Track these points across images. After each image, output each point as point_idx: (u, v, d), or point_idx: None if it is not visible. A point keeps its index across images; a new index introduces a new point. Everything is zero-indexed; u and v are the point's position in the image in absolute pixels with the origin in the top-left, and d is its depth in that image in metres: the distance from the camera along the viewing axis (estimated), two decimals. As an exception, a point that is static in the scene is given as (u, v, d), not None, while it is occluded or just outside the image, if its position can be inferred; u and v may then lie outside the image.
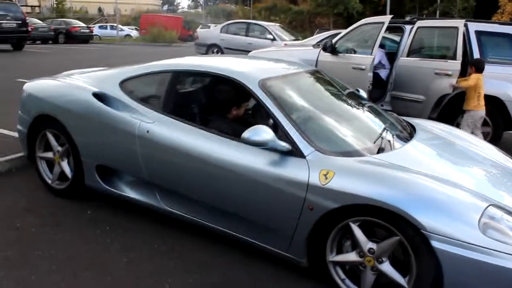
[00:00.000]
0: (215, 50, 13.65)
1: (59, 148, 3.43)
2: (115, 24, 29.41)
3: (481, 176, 2.73)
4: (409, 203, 2.14)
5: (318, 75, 3.45)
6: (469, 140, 3.37)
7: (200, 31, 14.95)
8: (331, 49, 5.89)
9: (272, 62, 3.64)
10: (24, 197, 3.51)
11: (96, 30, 28.24)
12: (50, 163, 3.56)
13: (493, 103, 5.26)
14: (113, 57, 15.47)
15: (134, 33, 31.26)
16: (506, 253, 2.00)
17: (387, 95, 5.95)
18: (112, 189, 3.19)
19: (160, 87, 3.06)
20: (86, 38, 23.66)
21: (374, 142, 2.71)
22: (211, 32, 14.14)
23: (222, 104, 3.00)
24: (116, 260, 2.70)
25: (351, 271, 2.43)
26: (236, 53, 13.03)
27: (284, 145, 2.46)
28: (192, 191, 2.79)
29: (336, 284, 2.43)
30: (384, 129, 2.93)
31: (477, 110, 4.96)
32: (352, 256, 2.35)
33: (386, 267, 2.26)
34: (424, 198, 2.19)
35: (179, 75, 3.12)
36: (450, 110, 5.37)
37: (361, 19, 6.37)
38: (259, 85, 2.75)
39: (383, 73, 6.09)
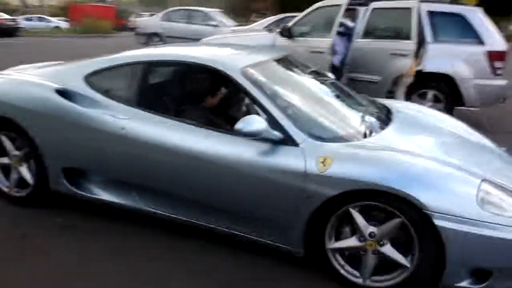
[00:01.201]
0: (156, 40, 13.17)
1: (16, 152, 3.10)
2: (43, 16, 27.42)
3: (462, 152, 2.80)
4: (411, 184, 2.15)
5: (291, 60, 3.37)
6: (437, 117, 3.46)
7: (140, 20, 14.34)
8: (288, 34, 5.85)
9: (244, 49, 3.50)
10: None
11: (21, 22, 26.13)
12: (5, 169, 3.22)
13: (444, 80, 5.51)
14: (50, 51, 14.42)
15: (64, 25, 29.37)
16: (505, 225, 2.07)
17: (344, 78, 6.03)
18: (83, 193, 2.95)
19: (132, 80, 2.84)
20: (11, 31, 21.81)
21: (360, 126, 2.70)
22: (152, 20, 13.62)
23: (201, 95, 2.84)
24: (108, 269, 2.48)
25: (350, 256, 2.42)
26: (179, 41, 12.65)
27: (276, 134, 2.38)
28: (177, 189, 2.63)
29: (335, 271, 2.40)
30: (366, 111, 2.94)
31: (411, 75, 5.30)
32: (352, 242, 2.33)
33: (388, 249, 2.27)
34: (423, 178, 2.21)
35: (152, 66, 2.91)
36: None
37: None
38: (241, 72, 2.63)
39: (336, 60, 6.09)
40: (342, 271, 2.39)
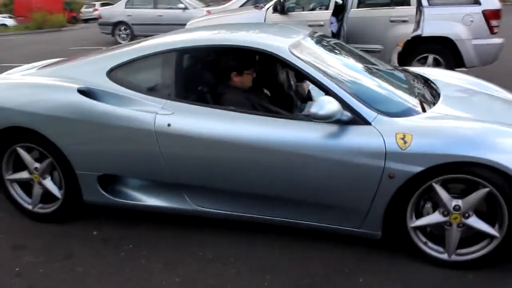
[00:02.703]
0: (122, 28, 12.56)
1: (37, 165, 2.78)
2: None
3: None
4: (498, 153, 2.06)
5: (322, 36, 3.17)
6: (464, 78, 3.37)
7: (102, 10, 13.58)
8: (282, 8, 5.62)
9: (272, 28, 3.25)
10: (3, 233, 2.81)
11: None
12: (24, 185, 2.91)
13: (443, 42, 5.48)
14: (11, 49, 13.33)
15: (10, 22, 27.49)
16: None
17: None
18: (124, 200, 2.69)
19: (168, 70, 2.56)
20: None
21: (417, 97, 2.57)
22: (115, 8, 12.91)
23: (251, 79, 2.62)
24: (167, 282, 2.28)
25: (431, 232, 2.33)
26: (147, 28, 12.10)
27: (347, 114, 2.21)
28: (239, 184, 2.42)
29: (418, 250, 2.31)
30: (413, 82, 2.82)
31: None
32: (436, 217, 2.23)
33: (474, 221, 2.19)
34: (508, 144, 2.11)
35: (190, 53, 2.63)
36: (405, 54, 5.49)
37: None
38: (291, 52, 2.43)
39: (333, 28, 5.98)
40: (425, 248, 2.31)
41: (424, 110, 2.41)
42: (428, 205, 2.26)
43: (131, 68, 2.65)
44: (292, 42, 2.57)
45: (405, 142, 2.13)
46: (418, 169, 2.11)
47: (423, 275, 2.25)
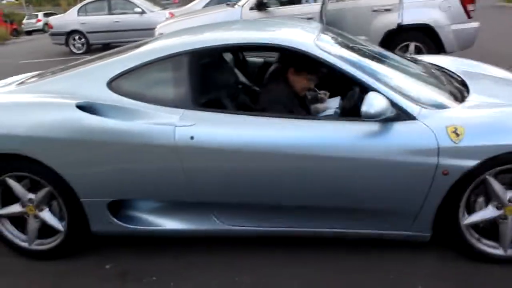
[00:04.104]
0: (76, 37, 11.88)
1: (32, 196, 2.42)
2: None
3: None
4: None
5: (332, 29, 2.98)
6: (474, 64, 3.29)
7: (52, 19, 12.76)
8: (260, 5, 5.40)
9: (285, 23, 3.00)
10: (-5, 278, 2.43)
11: None
12: (17, 220, 2.53)
13: (423, 30, 5.47)
14: None
15: None
16: None
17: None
18: (140, 227, 2.38)
19: (181, 76, 2.25)
20: None
21: (446, 86, 2.44)
22: (67, 17, 12.15)
23: (278, 80, 2.38)
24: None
25: (483, 228, 2.20)
26: (104, 35, 11.54)
27: (393, 110, 2.03)
28: (278, 197, 2.18)
29: (471, 248, 2.17)
30: (437, 71, 2.69)
31: None
32: (490, 211, 2.11)
33: (530, 211, 2.08)
34: None
35: (207, 55, 2.35)
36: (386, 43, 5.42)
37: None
38: (318, 47, 2.22)
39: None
40: (479, 245, 2.18)
41: (458, 100, 2.27)
42: (480, 199, 2.13)
43: (134, 76, 2.33)
44: (315, 37, 2.36)
45: (458, 135, 1.98)
46: (473, 162, 1.97)
47: (482, 274, 2.11)
